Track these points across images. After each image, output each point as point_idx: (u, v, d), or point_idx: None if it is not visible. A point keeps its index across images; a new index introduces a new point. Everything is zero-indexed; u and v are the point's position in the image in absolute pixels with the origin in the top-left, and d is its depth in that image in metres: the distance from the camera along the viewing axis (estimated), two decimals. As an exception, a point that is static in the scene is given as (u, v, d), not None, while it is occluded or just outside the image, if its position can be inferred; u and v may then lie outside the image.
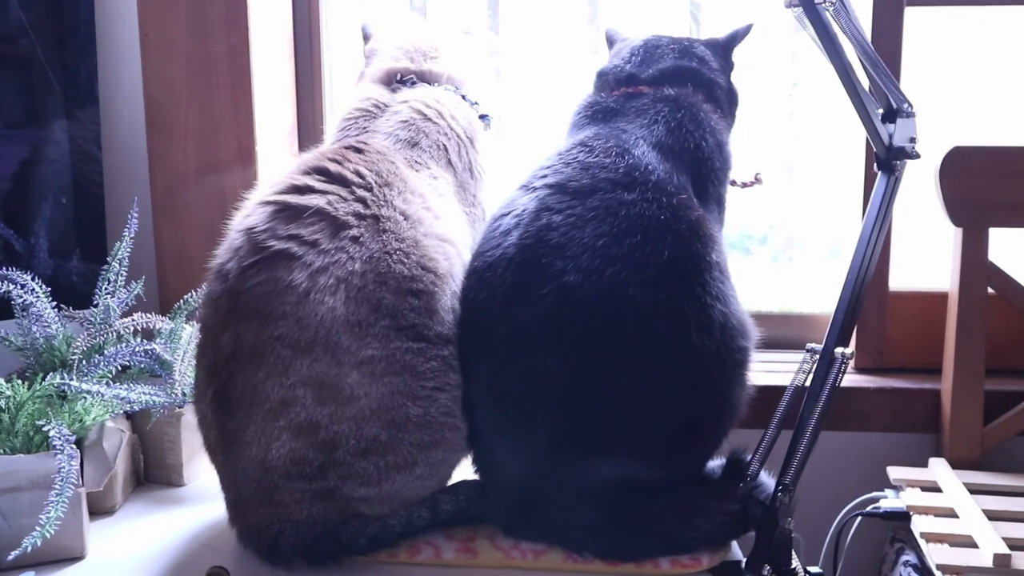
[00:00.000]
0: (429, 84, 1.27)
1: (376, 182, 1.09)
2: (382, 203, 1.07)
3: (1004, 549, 1.08)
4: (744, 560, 1.06)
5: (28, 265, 1.31)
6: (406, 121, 1.20)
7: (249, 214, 1.08)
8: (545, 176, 1.10)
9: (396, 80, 1.27)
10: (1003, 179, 1.36)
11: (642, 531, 1.06)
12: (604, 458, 1.05)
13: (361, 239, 1.04)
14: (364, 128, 1.20)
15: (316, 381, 1.00)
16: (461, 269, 1.12)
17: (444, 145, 1.21)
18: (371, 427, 1.02)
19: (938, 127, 1.40)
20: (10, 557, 0.99)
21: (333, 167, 1.09)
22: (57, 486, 1.02)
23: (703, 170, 1.14)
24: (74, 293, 1.37)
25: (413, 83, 1.26)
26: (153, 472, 1.32)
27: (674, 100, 1.17)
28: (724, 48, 1.26)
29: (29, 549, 0.98)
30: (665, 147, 1.13)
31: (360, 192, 1.07)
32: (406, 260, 1.05)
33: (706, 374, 1.05)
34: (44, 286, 1.24)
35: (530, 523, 1.08)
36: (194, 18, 1.48)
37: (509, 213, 1.10)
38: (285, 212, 1.05)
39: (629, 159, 1.09)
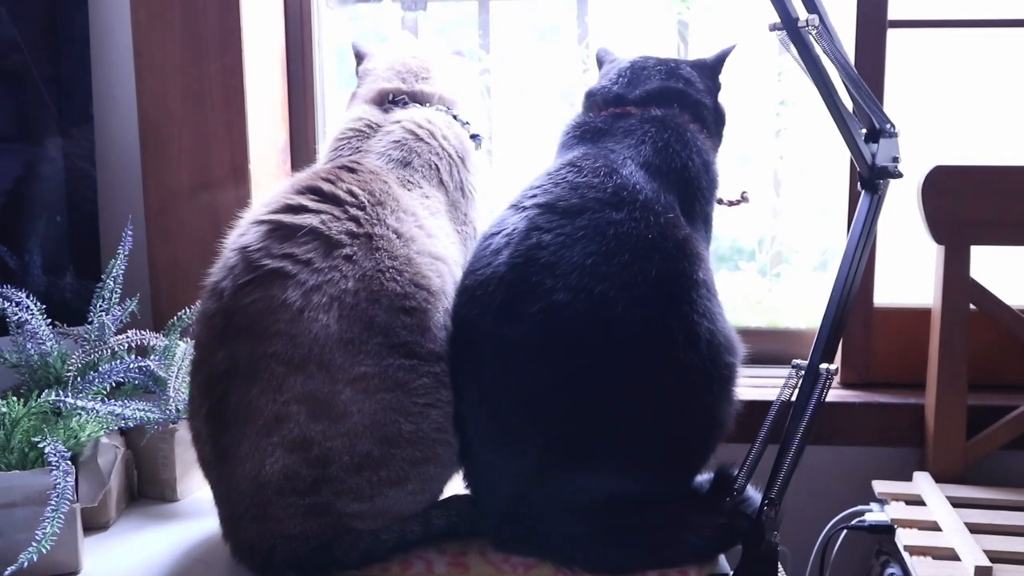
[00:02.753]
0: (421, 104, 1.29)
1: (369, 201, 1.11)
2: (375, 222, 1.09)
3: (985, 562, 1.10)
4: (731, 573, 1.08)
5: (22, 282, 1.32)
6: (398, 141, 1.22)
7: (244, 233, 1.09)
8: (535, 196, 1.12)
9: (388, 100, 1.28)
10: (984, 198, 1.39)
11: (631, 545, 1.08)
12: (593, 473, 1.06)
13: (354, 257, 1.05)
14: (357, 148, 1.22)
15: (310, 398, 1.01)
16: (453, 287, 1.14)
17: (436, 165, 1.23)
18: (364, 443, 1.03)
19: (920, 147, 1.42)
20: (6, 573, 0.99)
21: (326, 186, 1.11)
22: (53, 502, 1.03)
23: (690, 189, 1.16)
24: (68, 310, 1.38)
25: (405, 103, 1.28)
26: (147, 488, 1.33)
27: (661, 120, 1.19)
28: (711, 69, 1.29)
29: (25, 564, 0.98)
30: (653, 167, 1.15)
31: (353, 211, 1.09)
32: (399, 278, 1.07)
33: (693, 390, 1.07)
34: (39, 303, 1.25)
35: (520, 537, 1.09)
36: (188, 38, 1.50)
37: (499, 232, 1.11)
38: (279, 231, 1.07)
39: (617, 179, 1.11)
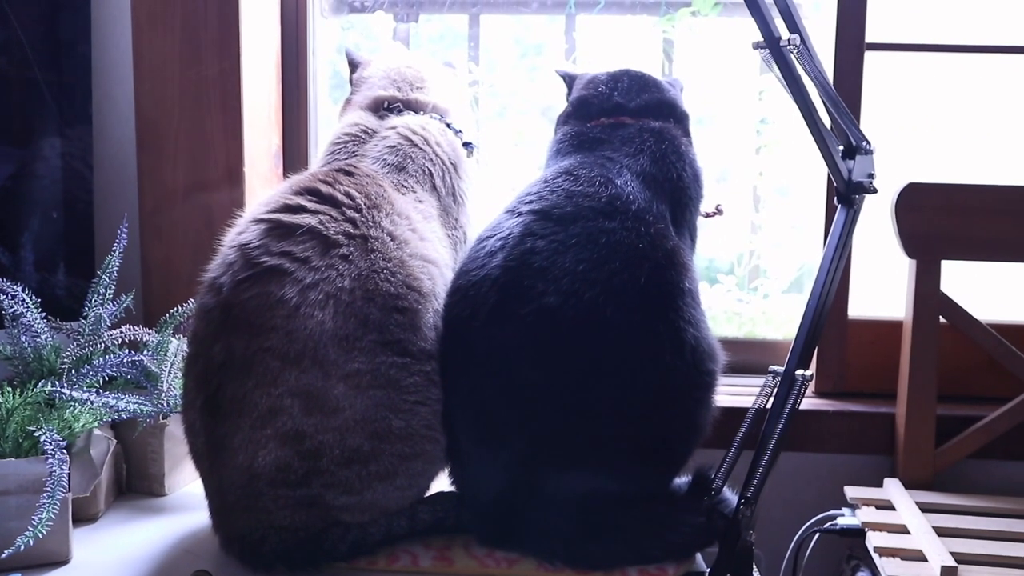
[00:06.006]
0: (415, 112, 1.32)
1: (365, 204, 1.13)
2: (371, 224, 1.12)
3: (951, 562, 1.14)
4: (707, 571, 1.11)
5: (14, 278, 1.32)
6: (394, 146, 1.25)
7: (243, 231, 1.12)
8: (531, 202, 1.15)
9: (384, 107, 1.32)
10: (955, 214, 1.44)
11: (611, 542, 1.10)
12: (576, 472, 1.09)
13: (350, 257, 1.08)
14: (353, 152, 1.25)
15: (303, 392, 1.04)
16: (444, 289, 1.17)
17: (429, 170, 1.26)
18: (355, 438, 1.05)
19: (894, 164, 1.47)
20: (3, 555, 1.01)
21: (324, 188, 1.14)
22: (49, 489, 1.04)
23: (682, 199, 1.20)
24: (59, 306, 1.39)
25: (400, 111, 1.31)
26: (135, 482, 1.34)
27: (658, 132, 1.23)
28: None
29: (22, 548, 1.00)
30: (648, 176, 1.18)
31: (350, 213, 1.12)
32: (392, 279, 1.10)
33: (676, 394, 1.10)
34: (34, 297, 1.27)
35: (504, 533, 1.12)
36: (187, 42, 1.53)
37: (495, 235, 1.14)
38: (278, 230, 1.09)
39: (612, 189, 1.14)
